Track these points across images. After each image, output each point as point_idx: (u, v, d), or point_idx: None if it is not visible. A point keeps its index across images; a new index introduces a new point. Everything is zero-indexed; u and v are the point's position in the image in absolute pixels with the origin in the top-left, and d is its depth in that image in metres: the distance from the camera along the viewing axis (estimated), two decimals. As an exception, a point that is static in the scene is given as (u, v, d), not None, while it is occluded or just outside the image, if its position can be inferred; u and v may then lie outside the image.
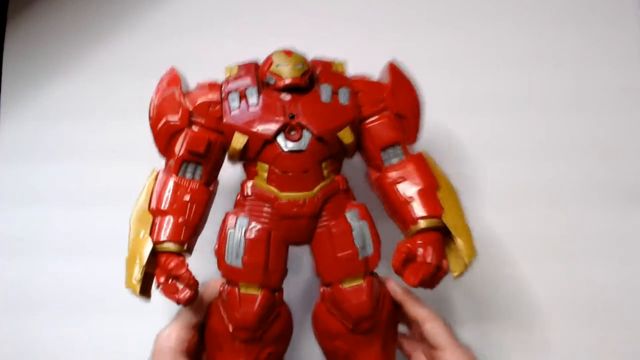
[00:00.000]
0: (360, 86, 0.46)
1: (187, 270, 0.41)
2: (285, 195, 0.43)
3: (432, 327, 0.43)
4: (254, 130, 0.43)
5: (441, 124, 0.59)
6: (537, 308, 0.56)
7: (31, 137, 0.62)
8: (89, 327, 0.57)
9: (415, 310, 0.44)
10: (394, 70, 0.47)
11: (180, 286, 0.41)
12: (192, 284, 0.41)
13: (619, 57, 0.61)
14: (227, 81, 0.45)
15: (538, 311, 0.56)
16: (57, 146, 0.62)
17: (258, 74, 0.46)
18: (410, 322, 0.46)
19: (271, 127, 0.43)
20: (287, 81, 0.44)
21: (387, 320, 0.44)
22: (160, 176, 0.45)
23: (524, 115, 0.60)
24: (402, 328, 0.47)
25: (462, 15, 0.63)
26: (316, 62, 0.47)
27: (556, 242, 0.58)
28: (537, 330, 0.56)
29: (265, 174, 0.44)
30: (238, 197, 0.45)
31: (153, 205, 0.43)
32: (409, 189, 0.44)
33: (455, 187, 0.46)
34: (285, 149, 0.43)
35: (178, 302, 0.42)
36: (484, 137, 0.60)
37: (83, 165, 0.61)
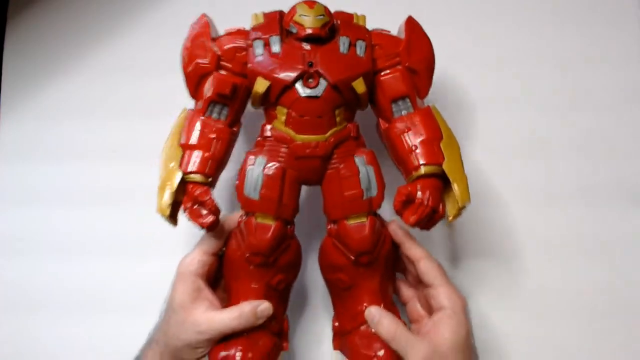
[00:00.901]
0: (377, 39, 0.49)
1: (211, 197, 0.46)
2: (301, 138, 0.47)
3: (426, 265, 0.47)
4: (275, 75, 0.46)
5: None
6: (536, 308, 0.56)
7: (31, 137, 0.62)
8: (89, 327, 0.57)
9: (413, 249, 0.48)
10: (411, 25, 0.50)
11: (204, 212, 0.46)
12: (215, 210, 0.46)
13: (619, 57, 0.61)
14: (254, 28, 0.49)
15: (538, 311, 0.56)
16: (57, 146, 0.62)
17: (282, 23, 0.48)
18: (407, 263, 0.49)
19: (290, 74, 0.46)
20: (309, 31, 0.47)
21: (386, 258, 0.48)
22: (189, 115, 0.48)
23: (524, 115, 0.60)
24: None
25: (462, 15, 0.63)
26: (338, 14, 0.50)
27: (556, 242, 0.58)
28: (536, 331, 0.56)
29: (284, 117, 0.47)
30: (258, 139, 0.49)
31: (182, 140, 0.47)
32: (413, 139, 0.47)
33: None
34: (303, 94, 0.46)
35: (202, 225, 0.46)
36: (483, 137, 0.60)
37: (83, 165, 0.61)
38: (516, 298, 0.57)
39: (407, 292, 0.51)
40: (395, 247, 0.49)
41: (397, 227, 0.49)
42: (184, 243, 0.52)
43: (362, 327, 0.47)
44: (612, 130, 0.60)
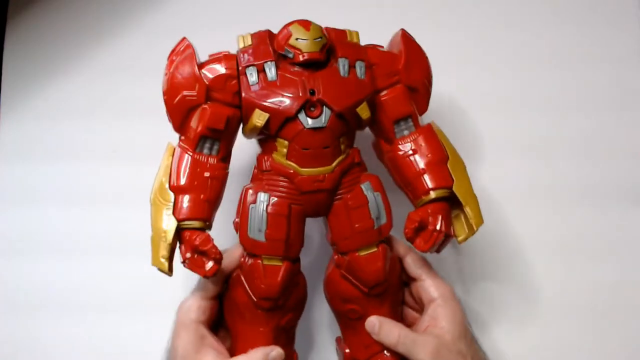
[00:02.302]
0: (374, 58, 0.46)
1: (213, 245, 0.42)
2: (306, 171, 0.44)
3: (412, 260, 0.47)
4: (276, 107, 0.43)
5: (438, 123, 0.59)
6: (536, 308, 0.56)
7: (31, 137, 0.62)
8: (89, 327, 0.57)
9: (398, 248, 0.47)
10: (406, 40, 0.47)
11: (207, 261, 0.42)
12: (219, 258, 0.42)
13: (619, 57, 0.61)
14: (242, 51, 0.44)
15: (537, 311, 0.56)
16: (57, 146, 0.62)
17: (273, 45, 0.44)
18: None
19: (293, 104, 0.43)
20: (307, 56, 0.43)
21: (396, 284, 0.47)
22: (177, 152, 0.44)
23: (524, 115, 0.60)
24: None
25: (462, 15, 0.63)
26: (330, 31, 0.46)
27: (556, 242, 0.58)
28: (536, 330, 0.56)
29: (285, 150, 0.44)
30: (255, 171, 0.46)
31: (173, 182, 0.43)
32: (420, 162, 0.46)
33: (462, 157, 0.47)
34: (307, 126, 0.43)
35: (205, 275, 0.43)
36: (483, 136, 0.60)
37: (83, 165, 0.61)
38: (514, 299, 0.57)
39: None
40: (402, 271, 0.48)
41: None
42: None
43: (377, 356, 0.46)
44: (612, 130, 0.60)
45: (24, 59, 0.64)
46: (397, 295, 0.47)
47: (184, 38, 0.45)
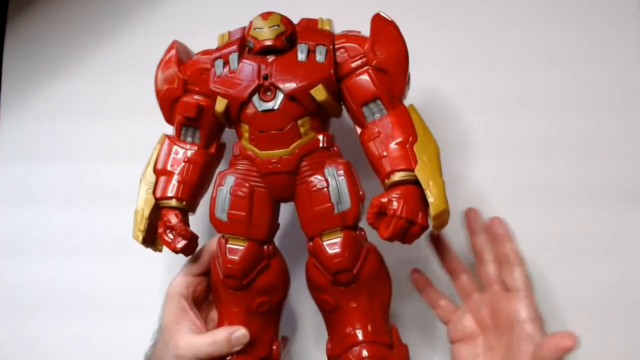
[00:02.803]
0: (342, 42, 0.46)
1: (180, 222, 0.46)
2: (264, 154, 0.45)
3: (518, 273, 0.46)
4: (232, 92, 0.45)
5: (439, 122, 0.59)
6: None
7: (31, 137, 0.62)
8: (89, 327, 0.57)
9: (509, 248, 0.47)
10: (377, 21, 0.46)
11: (175, 236, 0.46)
12: (184, 233, 0.46)
13: (619, 57, 0.61)
14: (217, 48, 0.48)
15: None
16: (57, 146, 0.62)
17: (243, 39, 0.47)
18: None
19: (246, 89, 0.45)
20: (263, 43, 0.45)
21: (371, 277, 0.45)
22: (165, 141, 0.49)
23: (524, 115, 0.60)
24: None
25: (462, 15, 0.63)
26: (302, 21, 0.48)
27: (556, 241, 0.58)
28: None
29: (247, 134, 0.46)
30: (231, 158, 0.48)
31: (158, 165, 0.48)
32: (384, 143, 0.44)
33: (439, 142, 0.45)
34: (260, 109, 0.45)
35: (174, 250, 0.46)
36: (483, 136, 0.60)
37: (83, 165, 0.61)
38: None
39: (436, 294, 0.50)
40: (383, 266, 0.46)
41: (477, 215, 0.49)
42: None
43: (351, 351, 0.44)
44: (612, 130, 0.60)
45: (24, 59, 0.64)
46: (375, 290, 0.46)
47: (174, 41, 0.50)
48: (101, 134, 0.61)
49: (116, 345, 0.57)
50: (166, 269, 0.56)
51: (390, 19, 0.46)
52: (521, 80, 0.61)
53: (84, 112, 0.62)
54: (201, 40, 0.59)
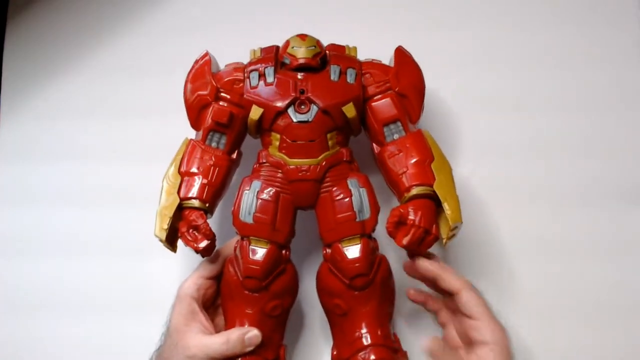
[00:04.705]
0: (368, 68, 0.51)
1: (205, 221, 0.47)
2: (293, 162, 0.49)
3: (467, 296, 0.46)
4: (268, 102, 0.49)
5: (439, 123, 0.59)
6: (536, 307, 0.56)
7: (31, 137, 0.62)
8: (89, 327, 0.57)
9: (451, 281, 0.47)
10: (400, 53, 0.52)
11: (199, 236, 0.47)
12: (209, 234, 0.47)
13: (619, 57, 0.61)
14: (250, 63, 0.51)
15: (537, 311, 0.56)
16: (57, 146, 0.62)
17: (277, 55, 0.51)
18: (446, 295, 0.48)
19: (283, 100, 0.48)
20: (301, 61, 0.49)
21: (382, 284, 0.48)
22: (190, 144, 0.51)
23: (524, 115, 0.60)
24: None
25: (462, 15, 0.63)
26: (331, 47, 0.52)
27: (556, 242, 0.58)
28: (536, 330, 0.56)
29: (277, 143, 0.49)
30: (254, 165, 0.50)
31: (183, 167, 0.50)
32: (404, 161, 0.49)
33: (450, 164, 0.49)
34: (295, 120, 0.48)
35: (196, 250, 0.47)
36: (483, 136, 0.60)
37: (83, 165, 0.61)
38: (515, 299, 0.57)
39: (445, 316, 0.50)
40: (391, 275, 0.49)
41: (428, 264, 0.47)
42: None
43: (360, 354, 0.47)
44: (612, 130, 0.60)
45: (24, 59, 0.64)
46: (384, 296, 0.49)
47: (206, 51, 0.52)
48: (101, 134, 0.61)
49: (116, 345, 0.57)
50: (166, 269, 0.56)
51: (409, 53, 0.52)
52: (521, 80, 0.61)
53: (84, 112, 0.62)
54: (201, 40, 0.59)
